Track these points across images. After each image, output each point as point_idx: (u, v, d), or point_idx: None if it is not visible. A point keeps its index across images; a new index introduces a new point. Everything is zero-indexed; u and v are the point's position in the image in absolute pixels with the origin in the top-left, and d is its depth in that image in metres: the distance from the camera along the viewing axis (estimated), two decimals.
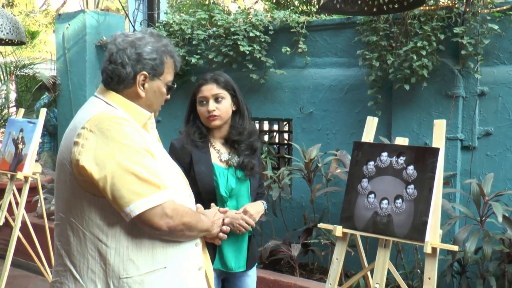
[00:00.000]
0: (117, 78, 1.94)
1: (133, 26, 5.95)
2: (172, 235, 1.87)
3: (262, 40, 5.08)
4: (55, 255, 1.97)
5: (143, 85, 1.96)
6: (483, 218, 3.57)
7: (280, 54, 5.09)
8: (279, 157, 5.62)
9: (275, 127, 5.87)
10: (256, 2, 13.20)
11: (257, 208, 2.78)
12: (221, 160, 2.76)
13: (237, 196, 2.76)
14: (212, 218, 2.18)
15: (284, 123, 5.76)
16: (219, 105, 2.72)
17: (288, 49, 4.99)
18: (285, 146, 5.83)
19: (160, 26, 5.70)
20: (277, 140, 5.80)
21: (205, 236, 2.14)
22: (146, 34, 1.99)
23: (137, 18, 6.03)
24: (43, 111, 4.57)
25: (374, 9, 3.16)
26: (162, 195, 1.79)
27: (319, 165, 4.56)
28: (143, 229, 1.82)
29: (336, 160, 4.67)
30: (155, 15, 6.11)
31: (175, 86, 2.09)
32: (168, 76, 2.04)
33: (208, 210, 2.27)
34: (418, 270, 4.03)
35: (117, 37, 1.97)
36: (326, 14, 5.21)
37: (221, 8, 5.55)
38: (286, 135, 5.87)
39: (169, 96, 2.08)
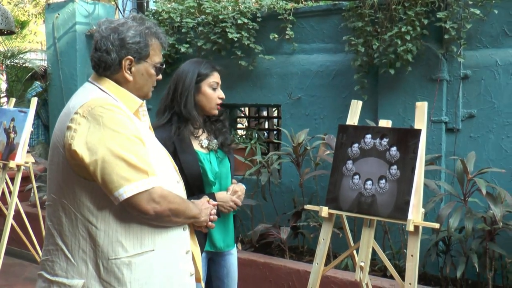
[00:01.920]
0: (104, 65, 1.98)
1: (123, 15, 5.99)
2: (159, 220, 1.92)
3: (250, 27, 5.14)
4: (46, 234, 2.03)
5: (129, 69, 2.00)
6: (467, 196, 3.67)
7: (268, 40, 5.16)
8: (268, 143, 5.70)
9: (264, 113, 5.95)
10: None
11: (242, 188, 2.87)
12: (202, 146, 2.81)
13: (220, 178, 2.84)
14: (201, 206, 2.23)
15: (273, 109, 5.84)
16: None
17: (276, 36, 5.05)
18: (275, 132, 5.91)
19: (150, 15, 5.74)
20: (266, 126, 5.88)
21: (193, 223, 2.20)
22: (128, 19, 2.03)
23: (127, 7, 6.06)
24: (34, 100, 4.62)
25: None
26: (150, 181, 1.85)
27: (308, 148, 4.64)
28: (131, 213, 1.87)
29: (324, 144, 4.75)
30: (145, 3, 6.15)
31: (164, 66, 2.12)
32: (156, 58, 2.07)
33: (198, 199, 2.30)
34: (405, 250, 4.13)
35: (101, 24, 2.02)
36: (313, 0, 5.27)
37: None
38: (275, 121, 5.96)
39: (160, 77, 2.11)
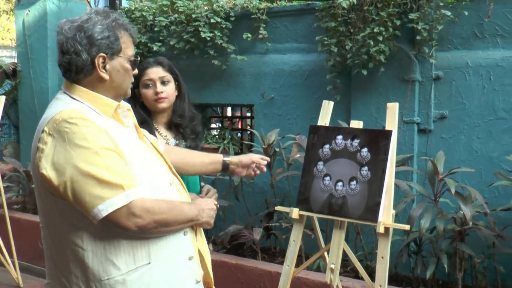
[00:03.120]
0: (75, 68, 1.84)
1: None
2: (146, 233, 1.80)
3: (224, 26, 5.10)
4: (45, 256, 1.94)
5: (104, 67, 1.86)
6: (437, 196, 3.68)
7: (241, 40, 5.12)
8: (242, 143, 5.66)
9: (237, 113, 5.91)
10: None
11: (214, 191, 2.84)
12: None
13: (188, 183, 2.79)
14: (202, 206, 2.03)
15: (247, 108, 5.81)
16: (166, 88, 2.76)
17: (249, 35, 5.02)
18: (248, 132, 5.87)
19: (122, 13, 5.65)
20: (240, 126, 5.84)
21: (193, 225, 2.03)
22: (92, 14, 1.87)
23: (99, 5, 5.97)
24: (2, 99, 4.51)
25: None
26: (126, 195, 1.71)
27: (277, 150, 4.61)
28: (114, 229, 1.76)
29: (297, 145, 4.73)
30: (117, 1, 6.06)
31: (139, 58, 1.99)
32: (129, 51, 1.92)
33: (195, 199, 2.12)
34: (377, 251, 4.13)
35: (63, 25, 1.86)
36: (286, 0, 5.25)
37: None
38: (249, 121, 5.92)
39: (136, 71, 1.99)
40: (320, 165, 3.16)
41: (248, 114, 5.90)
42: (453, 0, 4.01)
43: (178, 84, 2.84)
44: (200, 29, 5.04)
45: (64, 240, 1.79)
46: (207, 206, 2.05)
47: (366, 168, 3.01)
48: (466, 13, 4.01)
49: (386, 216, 2.92)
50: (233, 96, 5.29)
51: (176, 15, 5.34)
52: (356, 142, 3.08)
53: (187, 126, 2.82)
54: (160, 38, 5.35)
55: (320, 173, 3.14)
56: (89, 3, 6.18)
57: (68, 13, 6.57)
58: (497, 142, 4.01)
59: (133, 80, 1.99)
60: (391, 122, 3.05)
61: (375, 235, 4.16)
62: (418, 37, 4.07)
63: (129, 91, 1.99)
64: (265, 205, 4.88)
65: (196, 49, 5.22)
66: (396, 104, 3.05)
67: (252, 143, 5.15)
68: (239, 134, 5.88)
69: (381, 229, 2.87)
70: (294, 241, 3.19)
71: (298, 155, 4.22)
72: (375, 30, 4.11)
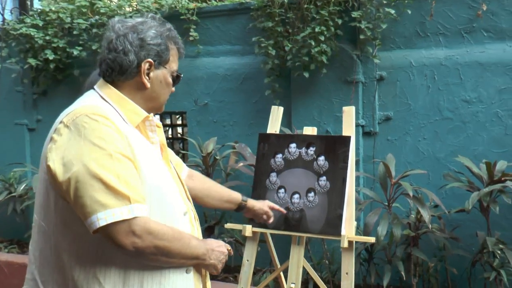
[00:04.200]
0: (119, 68, 1.73)
1: (2, 15, 5.33)
2: (142, 258, 1.62)
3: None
4: (28, 259, 1.79)
5: (148, 74, 1.75)
6: (391, 201, 3.52)
7: None
8: (177, 153, 5.31)
9: (168, 121, 5.56)
10: None
11: None
12: None
13: None
14: (212, 246, 1.82)
15: (177, 116, 5.47)
16: None
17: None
18: (179, 141, 5.53)
19: (35, 15, 5.15)
20: (170, 135, 5.49)
21: (197, 264, 1.80)
22: (148, 19, 1.79)
23: (6, 6, 5.41)
24: None
25: None
26: (132, 209, 1.54)
27: (218, 158, 4.33)
28: (109, 244, 1.57)
29: (235, 153, 4.47)
30: (28, 2, 5.52)
31: (182, 75, 1.88)
32: (174, 65, 1.83)
33: (209, 239, 1.89)
34: (326, 261, 3.94)
35: (115, 23, 1.77)
36: (217, 0, 4.97)
37: None
38: (179, 129, 5.58)
39: (174, 89, 1.85)
40: (273, 176, 2.91)
41: (179, 122, 5.55)
42: None
43: None
44: None
45: (57, 245, 1.65)
46: (218, 248, 1.85)
47: (324, 178, 2.79)
48: (410, 12, 3.89)
49: (349, 228, 2.71)
50: None
51: (97, 17, 4.91)
52: (311, 150, 2.85)
53: None
54: (80, 42, 4.90)
55: (273, 186, 2.89)
56: None
57: None
58: (443, 143, 3.92)
59: (168, 96, 1.88)
60: (348, 127, 2.85)
61: (324, 245, 3.97)
62: (361, 36, 3.91)
63: (163, 108, 1.89)
64: (203, 218, 4.56)
65: None
66: (353, 108, 2.85)
67: (186, 152, 4.81)
68: (170, 143, 5.51)
69: (345, 244, 2.65)
70: (247, 260, 2.92)
71: (241, 164, 3.94)
72: (316, 29, 3.92)
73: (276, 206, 2.68)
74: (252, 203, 2.56)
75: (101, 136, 1.57)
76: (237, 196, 2.51)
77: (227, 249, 1.89)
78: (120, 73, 1.74)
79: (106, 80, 1.77)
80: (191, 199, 1.93)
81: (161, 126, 1.86)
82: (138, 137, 1.71)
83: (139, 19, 1.79)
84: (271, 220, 2.66)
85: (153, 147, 1.79)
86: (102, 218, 1.52)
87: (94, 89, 1.78)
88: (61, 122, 1.63)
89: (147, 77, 1.75)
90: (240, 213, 4.11)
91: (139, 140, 1.71)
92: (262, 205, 2.61)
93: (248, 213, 2.58)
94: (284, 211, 2.71)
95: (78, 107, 1.65)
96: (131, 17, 4.55)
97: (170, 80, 1.82)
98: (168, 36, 1.79)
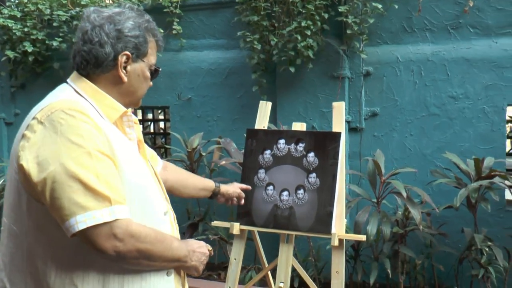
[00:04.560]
0: (94, 60, 1.62)
1: None
2: (123, 262, 1.53)
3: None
4: None
5: (125, 67, 1.65)
6: (380, 199, 3.49)
7: None
8: (155, 148, 5.22)
9: (149, 116, 5.46)
10: None
11: None
12: None
13: None
14: (194, 247, 1.73)
15: (159, 111, 5.37)
16: None
17: (162, 31, 4.57)
18: (162, 136, 5.44)
19: (12, 6, 5.00)
20: (152, 130, 5.40)
21: (178, 267, 1.72)
22: (125, 9, 1.69)
23: None
24: None
25: None
26: (113, 211, 1.44)
27: (203, 154, 4.25)
28: (88, 248, 1.48)
29: (219, 149, 4.39)
30: None
31: (160, 69, 1.79)
32: (152, 58, 1.73)
33: (190, 240, 1.80)
34: (312, 258, 3.90)
35: (91, 12, 1.67)
36: None
37: None
38: (162, 124, 5.49)
39: (151, 83, 1.77)
40: (261, 173, 2.84)
41: (161, 117, 5.45)
42: None
43: None
44: None
45: (28, 248, 1.54)
46: (199, 248, 1.76)
47: (314, 174, 2.73)
48: (397, 7, 3.86)
49: (339, 226, 2.67)
50: (145, 97, 4.77)
51: (77, 9, 4.79)
52: (301, 147, 2.79)
53: None
54: (60, 34, 4.77)
55: (262, 182, 2.83)
56: None
57: None
58: (429, 139, 3.91)
59: (146, 90, 1.79)
60: (338, 123, 2.80)
61: (309, 241, 3.93)
62: (348, 31, 3.87)
63: (140, 102, 1.79)
64: (186, 215, 4.49)
65: None
66: (342, 104, 2.80)
67: (169, 147, 4.72)
68: (152, 138, 5.42)
69: (335, 242, 2.60)
70: (235, 259, 2.86)
71: (223, 162, 3.87)
72: (303, 24, 3.86)
73: (244, 186, 2.71)
74: (225, 187, 2.56)
75: (79, 133, 1.47)
76: (210, 183, 2.49)
77: (208, 250, 1.82)
78: (96, 66, 1.64)
79: (80, 73, 1.66)
80: (168, 198, 1.84)
81: (138, 122, 1.79)
82: (116, 134, 1.62)
83: (116, 9, 1.69)
84: (242, 201, 2.67)
85: (130, 143, 1.70)
86: (81, 221, 1.41)
87: (67, 82, 1.68)
88: (34, 118, 1.52)
89: (124, 71, 1.65)
90: (225, 209, 4.07)
91: (118, 137, 1.61)
92: (234, 188, 2.62)
93: (222, 198, 2.55)
94: (250, 187, 2.76)
95: (52, 102, 1.54)
96: (106, 7, 4.47)
97: (148, 74, 1.73)
98: (147, 28, 1.70)
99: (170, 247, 1.62)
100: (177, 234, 1.78)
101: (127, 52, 1.64)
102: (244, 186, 2.71)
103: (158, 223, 1.65)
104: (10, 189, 1.60)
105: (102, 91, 1.65)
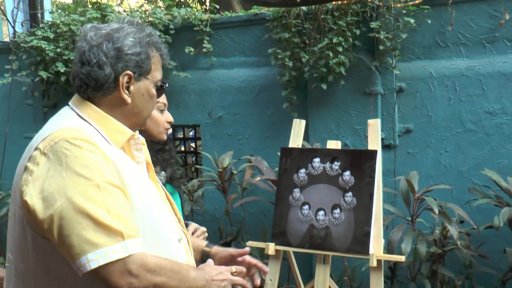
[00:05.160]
0: (94, 83, 1.52)
1: (13, 27, 5.26)
2: None
3: (163, 40, 4.64)
4: None
5: (127, 88, 1.55)
6: (414, 217, 3.41)
7: (183, 54, 4.69)
8: (185, 167, 5.22)
9: (180, 134, 5.47)
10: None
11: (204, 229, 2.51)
12: None
13: None
14: (211, 274, 1.60)
15: (190, 129, 5.38)
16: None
17: (192, 49, 4.60)
18: (193, 155, 5.44)
19: (46, 27, 5.08)
20: (182, 148, 5.40)
21: None
22: (124, 24, 1.57)
23: (17, 19, 5.33)
24: None
25: (298, 0, 2.88)
26: (126, 246, 1.35)
27: (234, 173, 4.23)
28: (100, 285, 1.39)
29: (250, 167, 4.37)
30: (39, 14, 5.45)
31: (167, 85, 1.67)
32: (157, 74, 1.61)
33: (208, 264, 1.69)
34: (347, 279, 3.82)
35: (87, 31, 1.55)
36: (231, 11, 4.89)
37: (114, 7, 5.08)
38: (192, 143, 5.49)
39: (160, 100, 1.72)
40: (297, 192, 2.81)
41: (191, 135, 5.46)
42: (414, 7, 3.79)
43: None
44: None
45: (35, 286, 1.47)
46: (217, 276, 1.62)
47: (350, 193, 2.69)
48: (429, 21, 3.80)
49: (377, 247, 2.61)
50: (175, 116, 4.74)
51: None
52: (336, 165, 2.75)
53: (165, 152, 2.39)
54: None
55: (297, 202, 2.79)
56: (5, 16, 5.54)
57: None
58: (466, 156, 3.82)
59: (153, 108, 1.67)
60: (374, 141, 2.76)
61: (345, 262, 3.86)
62: (380, 47, 3.82)
63: (146, 122, 1.68)
64: (219, 234, 4.45)
65: None
66: (378, 121, 2.77)
67: (200, 166, 4.71)
68: (182, 157, 5.42)
69: (374, 263, 2.54)
70: (270, 280, 2.82)
71: (258, 178, 3.84)
72: (334, 40, 3.83)
73: (239, 251, 2.04)
74: (215, 249, 2.12)
75: (86, 164, 1.38)
76: (201, 244, 2.15)
77: (232, 272, 1.70)
78: (96, 89, 1.53)
79: (82, 96, 1.57)
80: (183, 222, 1.74)
81: (145, 143, 1.68)
82: (125, 160, 1.54)
83: (115, 26, 1.58)
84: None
85: (139, 167, 1.61)
86: (93, 260, 1.33)
87: (69, 105, 1.59)
88: (36, 148, 1.44)
89: (126, 92, 1.55)
90: (258, 228, 4.00)
91: (126, 163, 1.53)
92: (225, 251, 2.10)
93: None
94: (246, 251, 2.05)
95: (55, 131, 1.45)
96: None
97: (154, 91, 1.61)
98: (149, 43, 1.58)
99: (187, 278, 1.51)
100: (192, 260, 1.70)
101: (129, 72, 1.54)
102: (239, 251, 2.05)
103: (173, 252, 1.57)
104: (14, 224, 1.51)
105: (107, 114, 1.56)
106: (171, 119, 2.34)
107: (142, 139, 1.65)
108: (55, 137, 1.42)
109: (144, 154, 1.65)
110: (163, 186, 2.35)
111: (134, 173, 1.53)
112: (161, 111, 2.30)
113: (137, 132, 1.63)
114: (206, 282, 1.57)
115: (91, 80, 1.52)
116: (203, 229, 2.48)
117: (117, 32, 1.55)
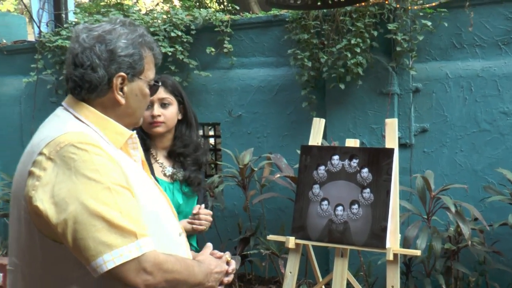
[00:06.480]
0: (88, 85, 1.53)
1: (39, 27, 5.43)
2: None
3: (184, 40, 4.79)
4: None
5: (121, 89, 1.56)
6: (430, 215, 3.50)
7: (204, 54, 4.82)
8: (211, 164, 5.35)
9: (200, 132, 5.59)
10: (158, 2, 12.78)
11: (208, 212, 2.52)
12: (165, 175, 2.49)
13: (185, 213, 2.49)
14: (211, 269, 1.67)
15: (209, 127, 5.51)
16: (165, 111, 2.43)
17: (213, 49, 4.73)
18: (212, 152, 5.57)
19: (70, 27, 5.23)
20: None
21: None
22: (116, 25, 1.57)
23: (43, 19, 5.50)
24: None
25: (319, 3, 2.98)
26: (139, 245, 1.39)
27: (255, 169, 4.34)
28: (113, 284, 1.43)
29: (269, 164, 4.48)
30: (63, 15, 5.61)
31: (160, 84, 1.71)
32: (150, 73, 1.63)
33: (205, 255, 1.74)
34: (363, 273, 3.92)
35: (79, 32, 1.55)
36: (251, 12, 5.00)
37: (136, 7, 5.22)
38: (211, 140, 5.62)
39: (153, 97, 1.75)
40: (316, 188, 2.91)
41: (211, 133, 5.59)
42: (431, 10, 3.88)
43: (183, 107, 2.52)
44: (159, 43, 4.71)
45: None
46: (216, 268, 1.69)
47: (368, 190, 2.79)
48: (446, 24, 3.89)
49: (393, 241, 2.70)
50: (196, 114, 4.95)
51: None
52: (354, 163, 2.85)
53: (189, 156, 2.50)
54: None
55: (316, 197, 2.89)
56: (32, 16, 5.71)
57: (5, 29, 6.14)
58: (480, 155, 3.90)
59: (147, 107, 1.72)
60: (391, 139, 2.85)
61: (360, 257, 3.96)
62: (398, 48, 3.92)
63: (141, 120, 1.72)
64: (237, 229, 4.58)
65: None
66: (395, 120, 2.86)
67: (220, 163, 4.84)
68: None
69: (390, 257, 2.64)
70: (290, 272, 2.92)
71: (277, 175, 3.95)
72: (352, 41, 3.93)
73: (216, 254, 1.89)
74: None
75: (94, 167, 1.40)
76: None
77: (227, 260, 1.78)
78: (90, 91, 1.54)
79: (76, 98, 1.57)
80: (176, 213, 1.78)
81: (139, 141, 1.70)
82: (126, 160, 1.57)
83: (107, 27, 1.57)
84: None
85: (136, 165, 1.64)
86: (109, 260, 1.35)
87: (62, 105, 1.60)
88: (40, 153, 1.43)
89: (120, 93, 1.56)
90: (276, 223, 4.09)
91: (128, 163, 1.56)
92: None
93: None
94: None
95: (58, 135, 1.44)
96: (165, 30, 4.61)
97: (147, 90, 1.63)
98: (141, 43, 1.58)
99: (193, 273, 1.58)
100: (190, 253, 1.75)
101: (122, 73, 1.54)
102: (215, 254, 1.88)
103: (176, 247, 1.63)
104: (19, 228, 1.50)
105: (104, 116, 1.57)
106: (154, 113, 2.39)
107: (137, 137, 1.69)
108: (61, 142, 1.42)
109: (140, 152, 1.69)
110: (181, 183, 2.46)
111: (135, 172, 1.57)
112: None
113: (135, 131, 1.65)
114: (206, 275, 1.63)
115: (84, 82, 1.53)
116: (209, 211, 2.52)
117: (110, 33, 1.54)
